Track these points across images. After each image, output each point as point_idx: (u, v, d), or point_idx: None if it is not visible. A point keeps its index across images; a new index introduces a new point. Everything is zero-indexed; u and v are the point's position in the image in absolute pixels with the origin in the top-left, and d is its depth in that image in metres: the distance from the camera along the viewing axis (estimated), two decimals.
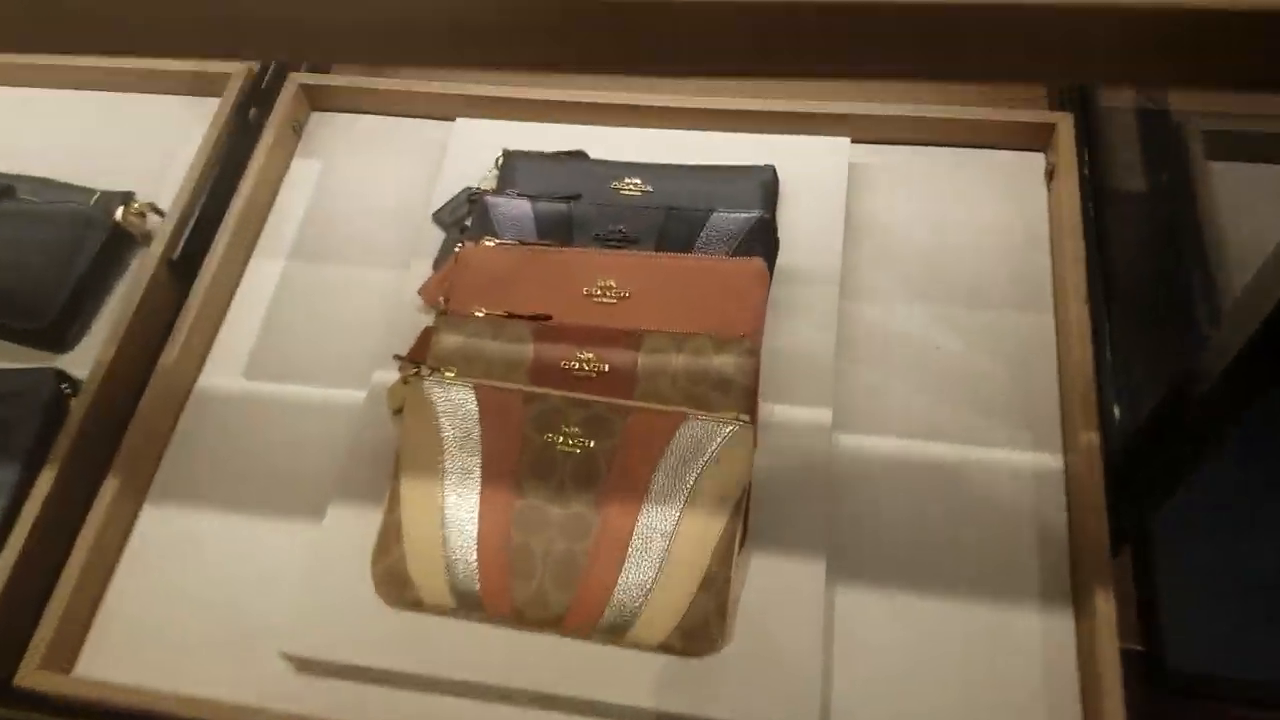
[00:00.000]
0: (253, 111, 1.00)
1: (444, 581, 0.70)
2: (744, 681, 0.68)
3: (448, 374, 0.74)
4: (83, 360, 0.87)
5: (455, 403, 0.73)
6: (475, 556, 0.70)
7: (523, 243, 0.82)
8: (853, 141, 0.92)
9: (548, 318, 0.78)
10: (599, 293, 0.79)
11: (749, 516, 0.73)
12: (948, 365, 0.83)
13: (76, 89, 1.07)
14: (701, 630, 0.68)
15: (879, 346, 0.84)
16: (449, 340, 0.77)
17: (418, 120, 1.02)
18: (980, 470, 0.78)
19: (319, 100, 1.03)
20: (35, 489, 0.78)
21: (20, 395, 0.82)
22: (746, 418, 0.70)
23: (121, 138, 1.03)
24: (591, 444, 0.71)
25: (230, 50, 0.42)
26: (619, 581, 0.69)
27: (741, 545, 0.72)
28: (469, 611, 0.71)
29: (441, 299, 0.81)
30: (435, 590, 0.70)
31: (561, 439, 0.72)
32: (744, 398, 0.73)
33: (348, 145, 1.02)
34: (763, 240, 0.81)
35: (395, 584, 0.71)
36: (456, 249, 0.82)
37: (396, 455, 0.74)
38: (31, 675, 0.71)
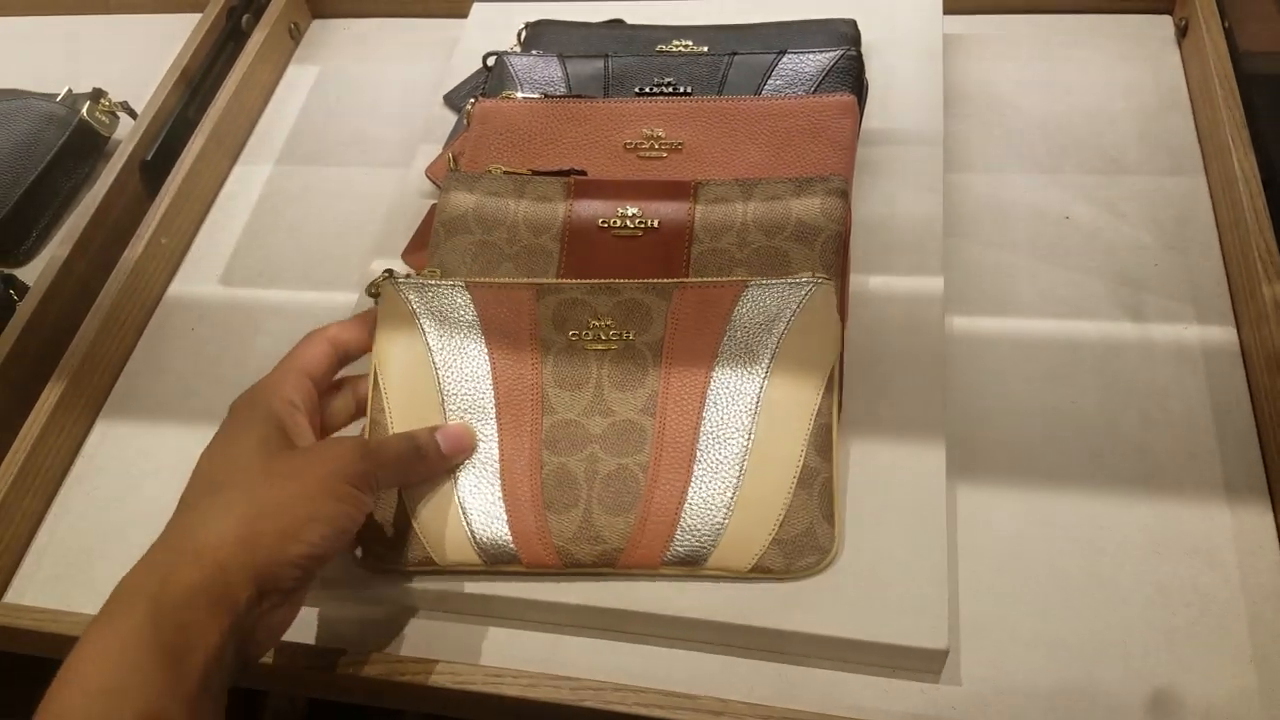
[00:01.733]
0: (245, 18, 0.88)
1: (462, 530, 0.53)
2: (854, 592, 0.50)
3: (429, 274, 0.58)
4: (35, 276, 0.73)
5: (445, 307, 0.56)
6: (499, 491, 0.53)
7: (549, 96, 0.67)
8: (945, 12, 0.78)
9: (581, 173, 0.63)
10: (644, 144, 0.64)
11: (843, 398, 0.56)
12: (1082, 237, 0.66)
13: (69, 14, 0.96)
14: (806, 539, 0.51)
15: (995, 220, 0.68)
16: (461, 200, 0.61)
17: (429, 20, 0.89)
18: (1135, 350, 0.61)
19: (320, 5, 0.91)
20: None
21: None
22: (824, 276, 0.54)
23: (113, 59, 0.91)
24: (630, 335, 0.55)
25: None
26: (690, 496, 0.52)
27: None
28: (500, 565, 0.53)
29: (451, 163, 0.66)
30: (453, 544, 0.53)
31: (590, 334, 0.55)
32: (834, 247, 0.56)
33: (352, 49, 0.89)
34: (849, 81, 0.65)
35: (394, 543, 0.53)
36: (469, 104, 0.68)
37: (371, 377, 0.56)
38: None
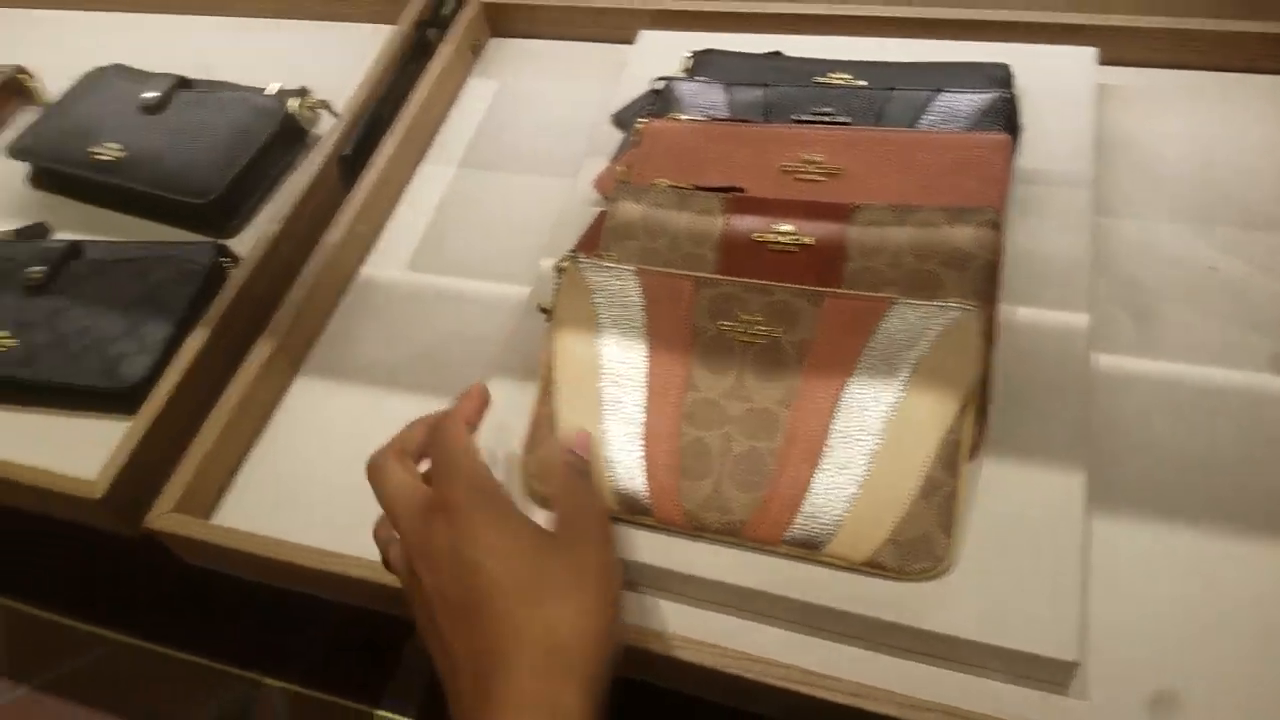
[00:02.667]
0: (431, 31, 0.97)
1: (604, 480, 0.60)
2: (989, 599, 0.54)
3: (607, 258, 0.65)
4: (246, 244, 0.83)
5: (615, 288, 0.63)
6: (641, 451, 0.59)
7: (714, 119, 0.73)
8: (1102, 63, 0.80)
9: (740, 190, 0.68)
10: (802, 168, 0.69)
11: (986, 420, 0.59)
12: (1227, 288, 0.68)
13: (277, 18, 1.08)
14: (922, 544, 0.55)
15: (1141, 265, 0.70)
16: (629, 209, 0.67)
17: (598, 45, 0.96)
18: (1276, 403, 0.62)
19: (499, 25, 0.99)
20: (186, 346, 0.73)
21: (180, 261, 0.78)
22: (972, 302, 0.57)
23: (308, 61, 1.01)
24: (777, 333, 0.60)
25: None
26: (814, 485, 0.56)
27: (974, 451, 0.59)
28: (633, 514, 0.59)
29: (621, 176, 0.73)
30: None
31: (740, 327, 0.61)
32: (984, 276, 0.60)
33: (526, 66, 0.96)
34: (1003, 121, 0.69)
35: (550, 480, 0.61)
36: (638, 124, 0.74)
37: (548, 345, 0.64)
38: (163, 518, 0.65)
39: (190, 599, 1.10)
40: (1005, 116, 0.69)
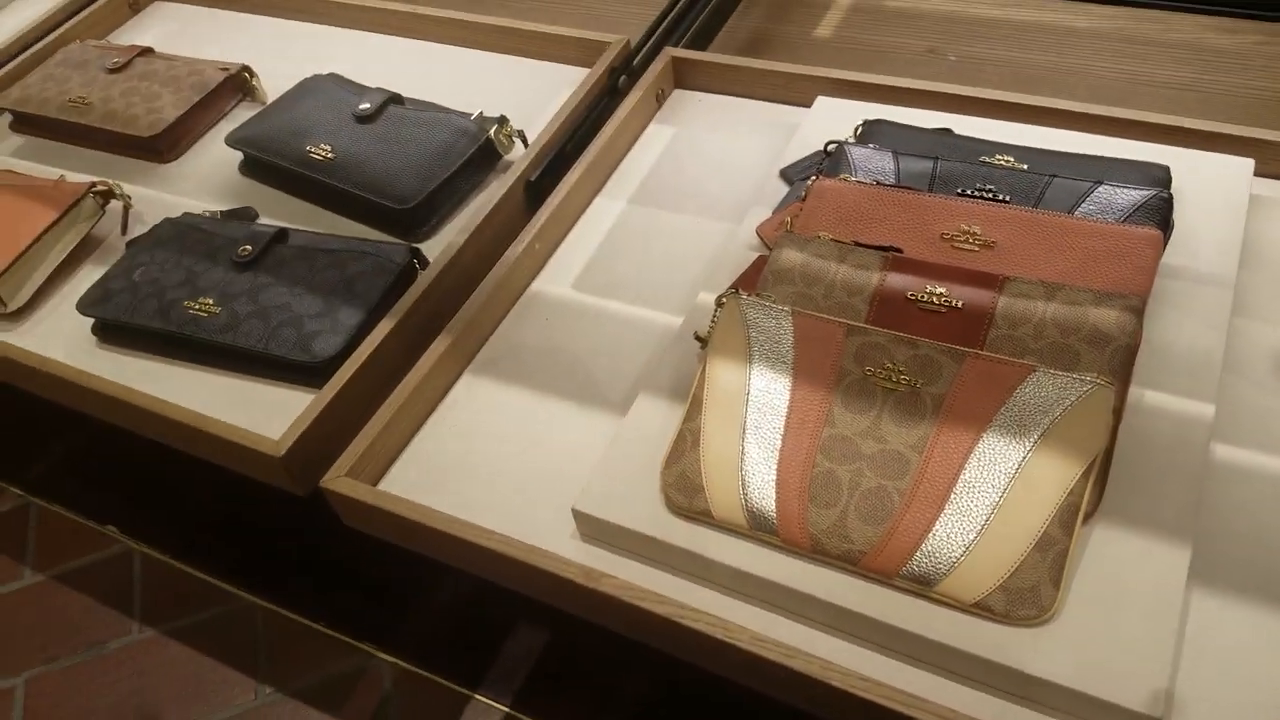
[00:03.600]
0: (622, 79, 1.06)
1: (737, 496, 0.65)
2: (1084, 651, 0.57)
3: (765, 297, 0.71)
4: (433, 250, 0.92)
5: (770, 326, 0.69)
6: (774, 474, 0.65)
7: (880, 184, 0.79)
8: (1257, 174, 0.83)
9: (899, 250, 0.73)
10: (960, 237, 0.74)
11: (1104, 489, 0.63)
12: None
13: (480, 49, 1.18)
14: (1030, 593, 0.58)
15: (1271, 368, 0.72)
16: (791, 256, 0.73)
17: (777, 105, 1.03)
18: None
19: (684, 78, 1.07)
20: (373, 333, 0.82)
21: (376, 258, 0.87)
22: (1107, 380, 0.61)
23: (509, 93, 1.11)
24: (918, 384, 0.64)
25: None
26: (936, 527, 0.61)
27: (1089, 515, 0.62)
28: (761, 532, 0.65)
29: (787, 225, 0.78)
30: (727, 504, 0.65)
31: (883, 374, 0.66)
32: (1121, 358, 0.64)
33: (704, 118, 1.04)
34: (1158, 218, 0.72)
35: (686, 490, 0.66)
36: (810, 180, 0.80)
37: (702, 366, 0.70)
38: (337, 480, 0.72)
39: (326, 569, 1.19)
40: (1161, 214, 0.72)
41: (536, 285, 0.90)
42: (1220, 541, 0.63)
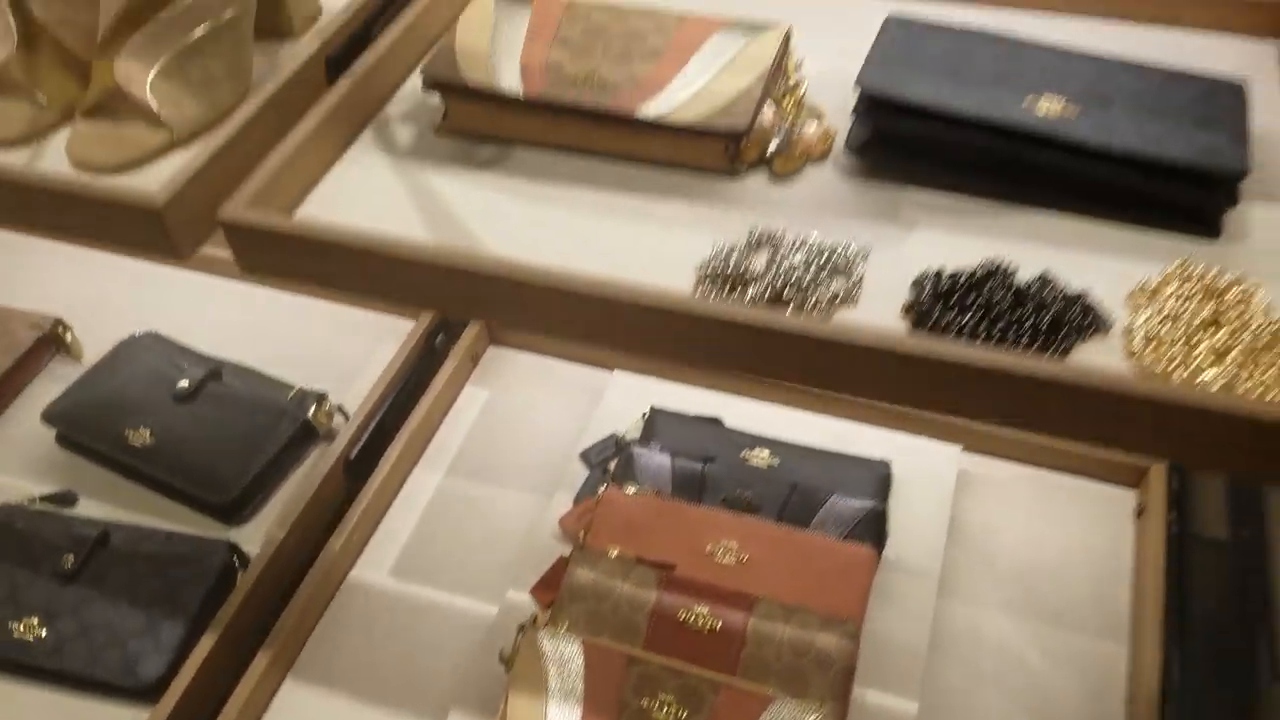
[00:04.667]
0: (440, 338, 1.16)
1: None
2: None
3: (560, 620, 0.82)
4: (252, 535, 0.98)
5: (564, 655, 0.80)
6: None
7: (659, 494, 0.92)
8: (963, 450, 1.02)
9: (672, 567, 0.86)
10: (721, 552, 0.88)
11: None
12: (1029, 679, 0.88)
13: (304, 294, 1.23)
14: None
15: (969, 650, 0.90)
16: (583, 575, 0.85)
17: (581, 366, 1.15)
18: None
19: (499, 335, 1.18)
20: (195, 652, 0.87)
21: (195, 561, 0.93)
22: (829, 708, 0.76)
23: (326, 341, 1.18)
24: (683, 715, 0.77)
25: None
26: None
27: None
28: None
29: (581, 533, 0.91)
30: None
31: (657, 705, 0.78)
32: (841, 678, 0.79)
33: (516, 380, 1.15)
34: (874, 531, 0.89)
35: None
36: (600, 489, 0.93)
37: (505, 695, 0.80)
38: None
39: None
40: (877, 527, 0.90)
41: (355, 573, 0.98)
42: None
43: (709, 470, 0.95)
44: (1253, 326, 0.58)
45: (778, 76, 0.74)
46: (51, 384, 1.13)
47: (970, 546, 0.97)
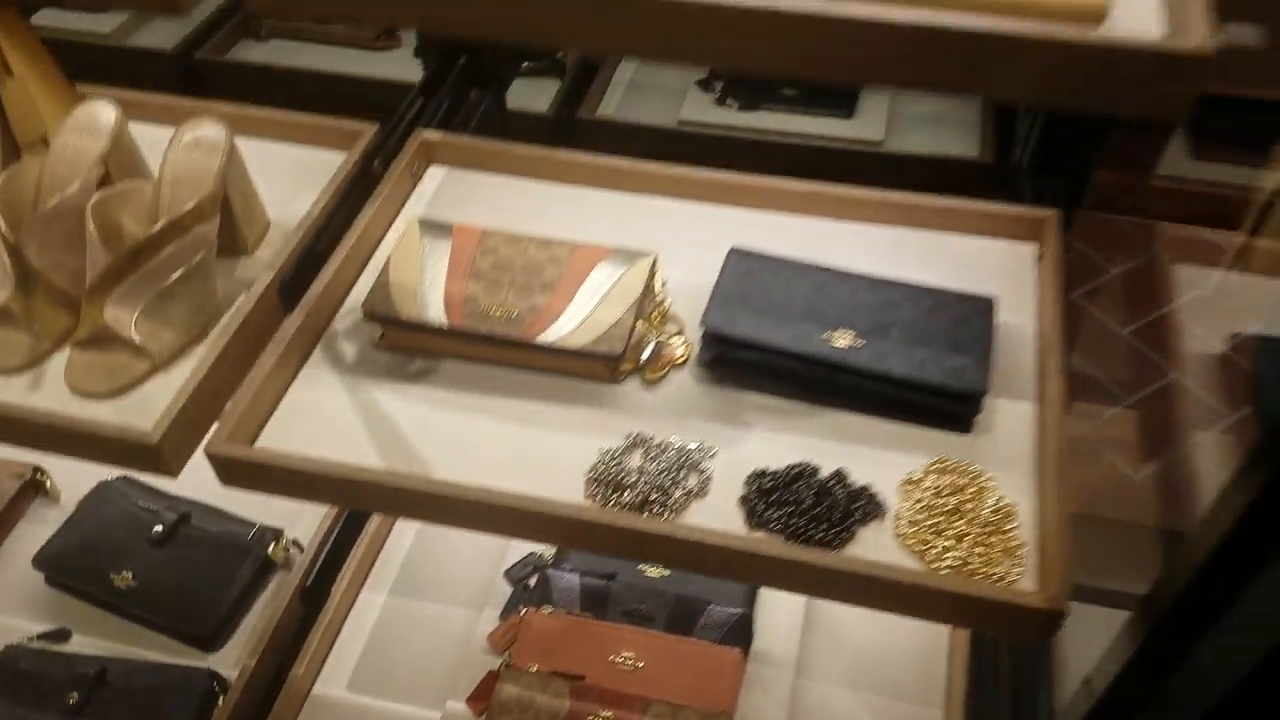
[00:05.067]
0: None
1: None
2: None
3: None
4: (227, 657, 1.15)
5: None
6: None
7: (570, 613, 1.13)
8: None
9: (582, 677, 1.07)
10: (622, 661, 1.08)
11: None
12: None
13: None
14: None
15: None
16: (509, 690, 1.05)
17: None
18: None
19: None
20: None
21: (182, 690, 1.10)
22: None
23: None
24: None
25: None
26: None
27: None
28: None
29: (506, 652, 1.10)
30: None
31: None
32: None
33: None
34: (744, 634, 1.11)
35: None
36: (520, 610, 1.13)
37: None
38: None
39: None
40: (745, 630, 1.11)
41: (318, 689, 1.16)
42: None
43: (612, 586, 1.15)
44: (983, 513, 0.81)
45: (647, 298, 0.94)
46: (35, 526, 1.28)
47: (822, 633, 1.19)
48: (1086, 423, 1.48)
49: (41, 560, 1.22)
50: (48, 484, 1.33)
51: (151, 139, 1.03)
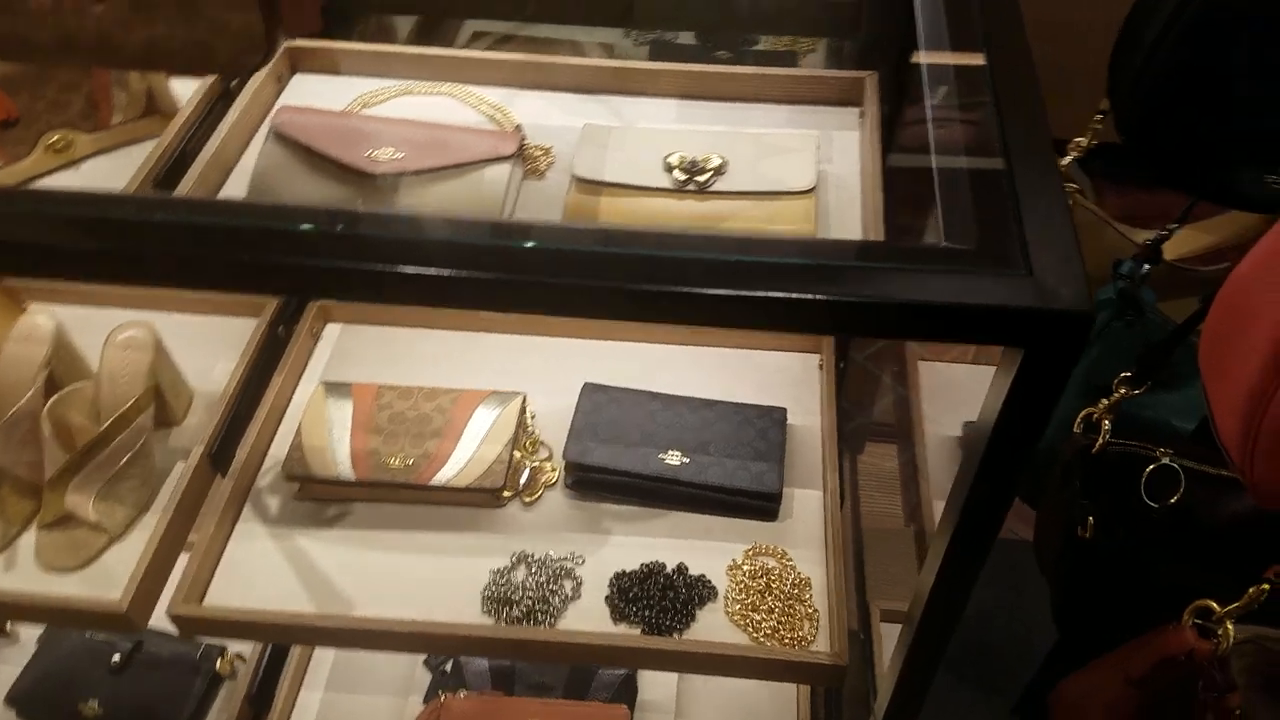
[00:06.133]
0: None
1: None
2: None
3: None
4: None
5: None
6: None
7: (483, 693, 1.34)
8: None
9: None
10: None
11: None
12: None
13: None
14: None
15: None
16: None
17: None
18: None
19: None
20: None
21: None
22: None
23: None
24: None
25: None
26: None
27: None
28: None
29: None
30: None
31: None
32: None
33: None
34: (629, 691, 1.34)
35: None
36: (440, 695, 1.34)
37: None
38: None
39: None
40: (631, 690, 1.34)
41: None
42: None
43: (516, 665, 1.37)
44: (787, 587, 1.06)
45: (520, 431, 1.17)
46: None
47: (696, 681, 1.43)
48: None
49: (12, 699, 1.37)
50: (6, 624, 1.48)
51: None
